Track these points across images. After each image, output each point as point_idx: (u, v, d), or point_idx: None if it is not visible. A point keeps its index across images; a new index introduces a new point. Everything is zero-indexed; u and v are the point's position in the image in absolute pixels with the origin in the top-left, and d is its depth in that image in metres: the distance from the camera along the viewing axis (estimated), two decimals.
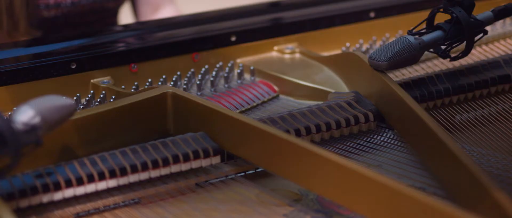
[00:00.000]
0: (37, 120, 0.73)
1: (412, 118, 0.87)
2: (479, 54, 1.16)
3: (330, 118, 0.91)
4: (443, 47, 0.98)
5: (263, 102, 1.04)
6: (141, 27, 1.23)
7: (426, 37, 0.95)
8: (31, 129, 0.72)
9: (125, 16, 1.67)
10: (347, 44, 1.18)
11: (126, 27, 1.27)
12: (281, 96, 1.07)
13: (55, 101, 0.76)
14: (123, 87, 1.04)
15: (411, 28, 0.96)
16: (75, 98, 1.02)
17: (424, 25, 0.97)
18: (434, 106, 0.97)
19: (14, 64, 1.03)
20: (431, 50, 0.97)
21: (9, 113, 0.97)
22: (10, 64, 1.03)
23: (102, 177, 0.80)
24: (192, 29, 1.15)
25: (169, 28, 1.17)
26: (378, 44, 1.20)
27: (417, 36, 0.95)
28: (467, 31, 0.95)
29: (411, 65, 1.01)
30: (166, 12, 1.55)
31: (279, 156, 0.80)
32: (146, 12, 1.56)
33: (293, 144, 0.78)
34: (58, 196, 0.78)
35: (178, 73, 1.08)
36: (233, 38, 1.14)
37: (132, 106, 0.89)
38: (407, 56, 0.94)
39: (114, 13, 1.54)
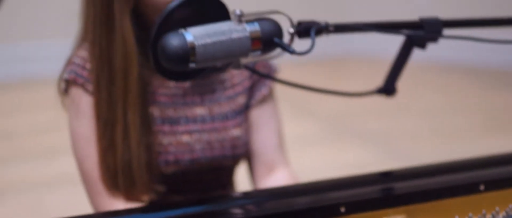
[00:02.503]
0: None
1: None
2: None
3: None
4: None
5: None
6: (250, 197, 1.28)
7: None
8: None
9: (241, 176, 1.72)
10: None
11: (235, 196, 1.32)
12: None
13: None
14: None
15: None
16: None
17: None
18: None
19: None
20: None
21: None
22: None
23: None
24: (301, 199, 1.19)
25: (278, 197, 1.21)
26: None
27: None
28: None
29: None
30: (280, 175, 1.57)
31: None
32: (262, 172, 1.59)
33: None
34: None
35: None
36: (343, 209, 1.17)
37: None
38: None
39: (231, 171, 1.60)
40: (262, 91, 1.57)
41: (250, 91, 1.57)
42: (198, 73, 1.15)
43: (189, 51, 1.05)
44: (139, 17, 1.43)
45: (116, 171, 1.42)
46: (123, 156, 1.42)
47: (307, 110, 4.15)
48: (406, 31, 1.16)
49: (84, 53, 1.46)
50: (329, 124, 3.99)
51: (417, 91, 4.67)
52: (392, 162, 3.31)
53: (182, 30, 1.06)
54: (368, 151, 3.60)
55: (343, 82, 4.91)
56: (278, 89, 1.62)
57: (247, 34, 1.08)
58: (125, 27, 1.38)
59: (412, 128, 3.96)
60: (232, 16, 1.09)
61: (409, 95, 4.54)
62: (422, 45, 1.18)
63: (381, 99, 4.40)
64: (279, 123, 1.62)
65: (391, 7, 5.65)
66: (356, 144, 3.71)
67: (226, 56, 1.08)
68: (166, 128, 1.49)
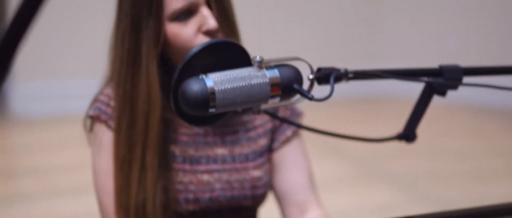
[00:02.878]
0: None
1: None
2: None
3: None
4: None
5: None
6: None
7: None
8: None
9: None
10: None
11: None
12: None
13: None
14: None
15: None
16: None
17: None
18: None
19: None
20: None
21: None
22: None
23: None
24: None
25: None
26: None
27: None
28: None
29: None
30: (313, 217, 1.55)
31: None
32: (293, 213, 1.57)
33: None
34: None
35: None
36: None
37: None
38: None
39: (252, 212, 1.60)
40: (286, 133, 1.58)
41: (273, 133, 1.58)
42: (218, 117, 1.16)
43: (208, 97, 1.06)
44: (165, 62, 1.45)
45: (130, 210, 1.44)
46: (137, 196, 1.44)
47: (337, 150, 4.14)
48: (425, 79, 1.17)
49: (109, 90, 1.49)
50: (359, 165, 3.98)
51: (449, 133, 4.65)
52: (422, 206, 3.29)
53: (203, 76, 1.08)
54: (398, 194, 3.58)
55: (376, 122, 4.90)
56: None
57: (266, 80, 1.10)
58: (150, 71, 1.41)
59: (443, 170, 3.93)
60: (252, 62, 1.11)
61: (440, 137, 4.51)
62: (442, 92, 1.18)
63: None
64: (307, 163, 1.61)
65: (420, 52, 5.65)
66: (385, 186, 3.69)
67: (246, 102, 1.09)
68: (187, 166, 1.50)
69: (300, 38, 5.52)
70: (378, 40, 5.76)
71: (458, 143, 4.45)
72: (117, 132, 1.45)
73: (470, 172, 3.91)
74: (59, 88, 5.02)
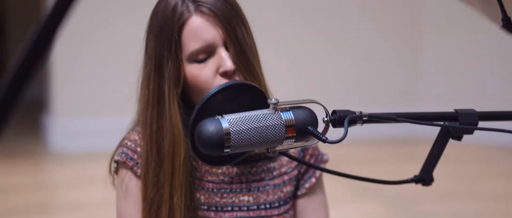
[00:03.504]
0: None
1: None
2: None
3: None
4: None
5: None
6: None
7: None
8: None
9: None
10: None
11: None
12: None
13: None
14: None
15: None
16: None
17: None
18: None
19: None
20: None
21: None
22: None
23: None
24: None
25: None
26: None
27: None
28: None
29: None
30: None
31: None
32: None
33: None
34: None
35: None
36: None
37: None
38: None
39: None
40: (310, 181, 1.59)
41: (298, 180, 1.59)
42: (235, 157, 1.19)
43: (224, 137, 1.09)
44: (187, 102, 1.48)
45: None
46: None
47: (372, 191, 4.12)
48: (440, 123, 1.18)
49: (136, 136, 1.52)
50: (395, 206, 3.95)
51: (487, 175, 4.60)
52: None
53: (219, 117, 1.10)
54: None
55: (412, 162, 4.87)
56: (342, 168, 1.64)
57: (281, 122, 1.12)
58: (173, 111, 1.43)
59: (480, 213, 3.89)
60: (268, 103, 1.14)
61: (478, 179, 4.47)
62: (458, 136, 1.19)
63: (451, 182, 4.37)
64: (327, 212, 1.63)
65: (460, 96, 5.62)
66: None
67: (261, 143, 1.11)
68: (212, 214, 1.52)
69: (337, 78, 5.54)
70: (415, 82, 5.74)
71: (497, 185, 4.40)
72: (145, 173, 1.47)
73: (510, 215, 3.85)
74: (97, 124, 5.10)
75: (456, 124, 1.17)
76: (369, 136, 5.01)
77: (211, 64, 1.43)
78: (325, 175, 1.54)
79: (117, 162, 1.53)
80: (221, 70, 1.43)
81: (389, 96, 5.65)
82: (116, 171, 1.54)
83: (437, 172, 1.23)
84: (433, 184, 1.24)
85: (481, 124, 1.18)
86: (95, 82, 5.16)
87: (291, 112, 1.13)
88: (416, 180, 1.23)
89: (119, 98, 5.06)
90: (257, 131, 1.11)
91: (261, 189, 1.55)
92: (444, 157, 1.21)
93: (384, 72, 5.66)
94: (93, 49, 5.15)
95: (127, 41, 5.14)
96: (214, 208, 1.52)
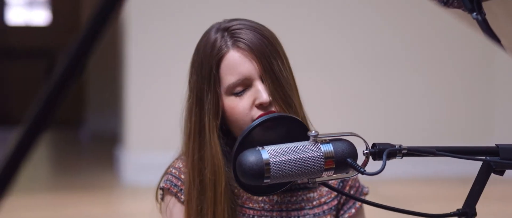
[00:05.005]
0: None
1: None
2: None
3: None
4: None
5: None
6: None
7: None
8: None
9: None
10: None
11: None
12: None
13: None
14: None
15: None
16: None
17: None
18: None
19: None
20: None
21: None
22: None
23: None
24: None
25: None
26: None
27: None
28: None
29: None
30: None
31: None
32: None
33: None
34: None
35: None
36: None
37: None
38: None
39: None
40: (350, 211, 1.61)
41: (338, 211, 1.61)
42: (277, 188, 1.22)
43: (264, 168, 1.13)
44: (227, 133, 1.54)
45: None
46: None
47: None
48: (482, 157, 1.18)
49: (180, 164, 1.58)
50: None
51: None
52: None
53: (259, 148, 1.14)
54: None
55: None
56: (388, 201, 1.65)
57: (321, 154, 1.15)
58: (213, 142, 1.49)
59: None
60: (308, 136, 1.17)
61: None
62: (500, 172, 1.19)
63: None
64: None
65: None
66: None
67: (300, 174, 1.15)
68: None
69: (407, 112, 5.50)
70: (489, 117, 5.66)
71: None
72: (189, 201, 1.53)
73: None
74: (170, 158, 5.18)
75: (497, 159, 1.17)
76: (444, 174, 4.94)
77: (248, 96, 1.48)
78: (367, 209, 1.55)
79: (162, 189, 1.59)
80: (257, 102, 1.47)
81: (462, 131, 5.56)
82: (162, 198, 1.60)
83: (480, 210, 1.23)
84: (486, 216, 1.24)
85: None
86: (168, 115, 5.27)
87: (330, 144, 1.16)
88: (458, 213, 1.24)
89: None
90: (297, 162, 1.14)
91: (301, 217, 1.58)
92: (486, 195, 1.22)
93: (457, 105, 5.59)
94: (167, 83, 5.27)
95: None
96: None
